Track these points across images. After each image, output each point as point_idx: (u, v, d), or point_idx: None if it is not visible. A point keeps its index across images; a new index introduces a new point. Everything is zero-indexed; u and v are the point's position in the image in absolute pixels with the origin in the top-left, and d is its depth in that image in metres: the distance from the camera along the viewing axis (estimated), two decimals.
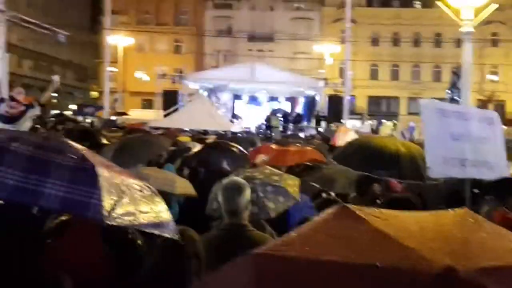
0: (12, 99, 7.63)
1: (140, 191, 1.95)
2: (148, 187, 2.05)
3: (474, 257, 1.11)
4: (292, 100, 28.52)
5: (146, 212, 1.86)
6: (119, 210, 1.74)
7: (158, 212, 1.93)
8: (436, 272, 1.03)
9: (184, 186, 4.77)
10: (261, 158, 6.22)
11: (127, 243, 2.33)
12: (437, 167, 3.64)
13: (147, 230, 1.87)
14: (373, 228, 1.18)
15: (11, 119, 7.38)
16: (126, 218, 1.76)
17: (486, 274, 1.05)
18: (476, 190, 4.26)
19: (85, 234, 2.28)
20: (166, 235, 1.90)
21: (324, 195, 4.86)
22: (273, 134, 19.87)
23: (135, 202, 1.85)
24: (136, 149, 6.40)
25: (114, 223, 1.72)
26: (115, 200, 1.76)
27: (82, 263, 2.27)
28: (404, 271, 1.06)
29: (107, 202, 1.72)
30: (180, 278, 2.31)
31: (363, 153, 4.53)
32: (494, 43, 44.93)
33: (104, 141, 7.98)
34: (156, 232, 1.88)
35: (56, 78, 8.09)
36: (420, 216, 1.35)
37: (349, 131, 10.68)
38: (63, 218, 2.47)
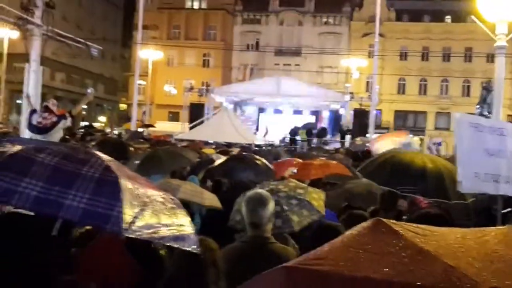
0: (46, 109, 7.82)
1: (163, 203, 1.94)
2: (172, 199, 2.04)
3: None
4: (317, 113, 28.43)
5: (167, 225, 1.85)
6: (139, 223, 1.73)
7: (179, 225, 1.92)
8: None
9: (211, 199, 4.86)
10: (290, 171, 6.22)
11: (150, 253, 2.34)
12: (468, 182, 3.53)
13: (167, 244, 1.86)
14: (411, 243, 1.12)
15: (43, 129, 7.56)
16: (146, 231, 1.75)
17: None
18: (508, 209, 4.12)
19: (111, 243, 2.31)
20: (187, 248, 1.88)
21: (356, 212, 4.80)
22: (297, 147, 19.82)
23: (157, 215, 1.84)
24: (163, 160, 6.49)
25: (133, 236, 1.71)
26: (137, 212, 1.75)
27: (107, 271, 2.29)
28: None
29: (128, 214, 1.71)
30: (198, 286, 2.31)
31: (390, 168, 4.46)
32: None
33: (131, 152, 8.12)
34: (176, 245, 1.87)
35: (90, 91, 8.30)
36: (460, 232, 1.27)
37: (387, 137, 10.47)
38: (88, 227, 2.51)
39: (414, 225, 1.26)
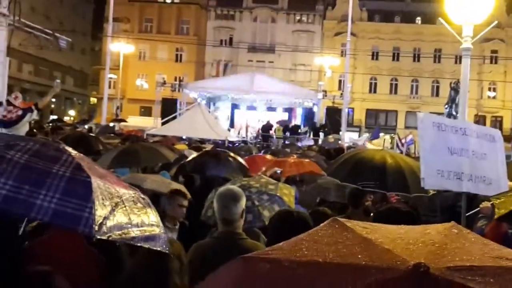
0: (9, 103, 7.59)
1: (134, 202, 1.93)
2: (143, 198, 2.03)
3: (448, 258, 1.19)
4: (290, 110, 28.62)
5: (138, 225, 1.84)
6: (110, 223, 1.71)
7: (150, 224, 1.91)
8: (408, 268, 1.12)
9: (179, 188, 4.83)
10: (274, 170, 6.29)
11: (109, 245, 2.31)
12: (431, 179, 3.65)
13: (139, 244, 1.83)
14: (358, 235, 1.28)
15: (8, 123, 7.34)
16: (116, 232, 1.73)
17: (456, 271, 1.13)
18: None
19: (68, 233, 2.25)
20: (158, 248, 1.88)
21: (320, 208, 4.89)
22: (271, 143, 19.93)
23: (128, 215, 1.83)
24: (140, 155, 6.41)
25: (104, 237, 1.69)
26: (108, 213, 1.73)
27: (67, 261, 2.25)
28: (380, 268, 1.14)
29: (99, 215, 1.68)
30: (162, 277, 2.32)
31: (351, 165, 4.55)
32: (493, 60, 45.26)
33: (101, 147, 7.97)
34: (146, 245, 1.84)
35: (57, 83, 8.06)
36: (406, 227, 1.43)
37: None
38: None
39: (368, 223, 1.43)
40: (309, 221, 2.79)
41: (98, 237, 1.66)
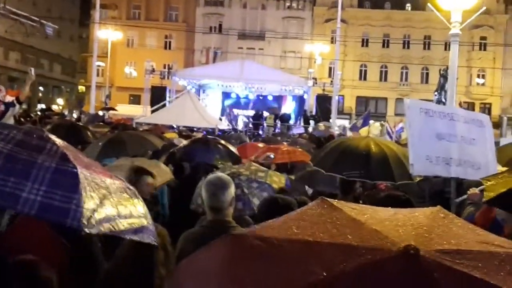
0: None
1: (121, 192, 1.87)
2: (129, 188, 1.97)
3: (436, 241, 1.22)
4: (280, 98, 28.58)
5: (126, 217, 1.78)
6: (98, 216, 1.65)
7: (138, 216, 1.85)
8: (399, 250, 1.14)
9: (165, 172, 4.82)
10: (266, 155, 6.26)
11: (80, 236, 2.28)
12: (420, 165, 3.66)
13: (127, 237, 1.78)
14: (347, 215, 1.30)
15: None
16: (105, 224, 1.67)
17: (444, 254, 1.16)
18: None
19: (35, 221, 2.20)
20: (146, 240, 1.83)
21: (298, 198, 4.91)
22: (260, 132, 19.91)
23: (116, 206, 1.77)
24: (127, 144, 6.35)
25: (94, 231, 1.63)
26: (96, 205, 1.67)
27: (32, 249, 2.20)
28: (370, 249, 1.16)
29: (86, 208, 1.62)
30: (147, 269, 2.31)
31: (337, 154, 4.52)
32: (483, 47, 45.47)
33: (91, 137, 7.90)
34: (135, 238, 1.79)
35: (31, 70, 7.83)
36: (395, 210, 1.45)
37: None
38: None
39: (355, 204, 1.46)
40: (294, 207, 2.80)
41: (87, 231, 1.59)
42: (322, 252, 1.18)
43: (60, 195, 1.61)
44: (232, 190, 2.91)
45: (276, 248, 1.21)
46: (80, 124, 10.31)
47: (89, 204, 1.64)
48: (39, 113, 15.63)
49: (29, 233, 2.24)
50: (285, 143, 10.27)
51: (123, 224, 1.73)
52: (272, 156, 6.30)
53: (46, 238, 2.23)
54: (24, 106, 8.06)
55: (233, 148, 6.69)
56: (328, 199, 1.40)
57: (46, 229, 2.21)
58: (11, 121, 7.45)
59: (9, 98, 7.69)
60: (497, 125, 44.66)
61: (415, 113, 3.74)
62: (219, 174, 3.20)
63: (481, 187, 4.08)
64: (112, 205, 1.75)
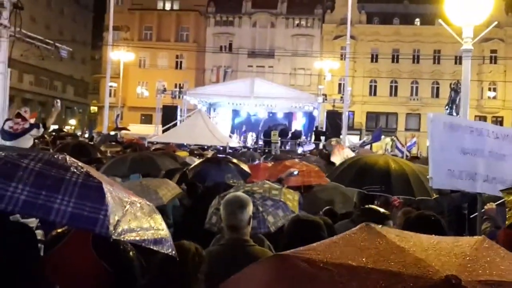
0: (19, 115, 7.61)
1: (141, 208, 2.03)
2: (148, 204, 2.13)
3: (479, 272, 1.22)
4: (291, 115, 28.61)
5: (147, 229, 1.94)
6: (124, 226, 1.81)
7: (157, 229, 2.01)
8: (440, 279, 1.15)
9: (172, 188, 4.85)
10: (289, 172, 5.96)
11: (119, 255, 2.35)
12: (441, 178, 3.60)
13: (149, 246, 1.92)
14: (391, 242, 1.32)
15: (13, 135, 7.34)
16: (129, 234, 1.83)
17: (486, 286, 1.16)
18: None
19: (79, 245, 2.32)
20: (165, 251, 1.97)
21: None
22: (271, 149, 19.88)
23: (137, 218, 1.93)
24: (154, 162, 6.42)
25: (121, 238, 1.79)
26: (120, 216, 1.83)
27: (74, 272, 2.29)
28: (412, 276, 1.17)
29: (113, 218, 1.78)
30: (178, 285, 2.32)
31: (355, 170, 4.54)
32: (493, 60, 45.27)
33: (99, 155, 7.98)
34: (155, 248, 1.93)
35: (58, 102, 8.12)
36: (438, 238, 1.46)
37: (344, 149, 10.65)
38: (59, 230, 2.51)
39: (399, 231, 1.51)
40: (322, 227, 2.82)
41: (114, 237, 1.76)
42: (366, 277, 1.20)
43: (89, 206, 1.79)
44: (250, 209, 2.93)
45: (321, 270, 1.23)
46: (89, 143, 10.39)
47: (115, 214, 1.81)
48: (53, 133, 15.78)
49: (73, 255, 2.34)
50: (296, 159, 10.23)
51: (144, 235, 1.90)
52: (296, 172, 6.04)
53: (89, 259, 2.31)
54: (40, 133, 8.23)
55: (244, 166, 6.69)
56: (372, 224, 1.43)
57: (90, 251, 2.30)
58: (30, 142, 7.56)
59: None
60: None
61: (438, 127, 3.71)
62: (237, 193, 3.20)
63: (500, 201, 4.00)
64: (134, 217, 1.93)
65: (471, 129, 3.83)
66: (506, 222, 3.08)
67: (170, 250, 1.99)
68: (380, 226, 1.44)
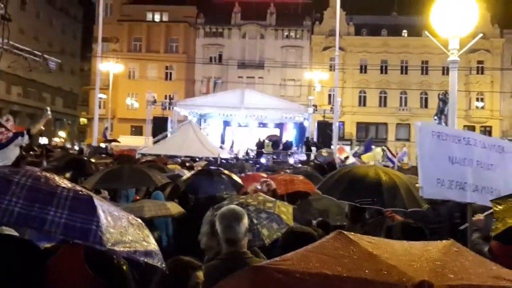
0: (0, 125, 7.50)
1: (130, 222, 2.10)
2: (135, 219, 2.20)
3: (450, 276, 1.25)
4: (281, 126, 28.69)
5: (137, 241, 1.99)
6: (116, 236, 1.86)
7: (147, 242, 2.07)
8: (413, 285, 1.18)
9: (175, 207, 4.90)
10: (264, 183, 5.96)
11: (112, 268, 2.33)
12: (430, 188, 3.58)
13: (140, 258, 1.96)
14: (363, 249, 1.34)
15: None
16: (121, 245, 1.87)
17: None
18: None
19: (71, 259, 2.31)
20: (155, 263, 2.01)
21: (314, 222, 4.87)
22: (262, 160, 19.89)
23: (128, 231, 1.98)
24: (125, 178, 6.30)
25: (114, 249, 1.83)
26: (112, 227, 1.88)
27: (66, 286, 2.28)
28: (386, 283, 1.20)
29: (105, 229, 1.84)
30: None
31: (346, 182, 4.52)
32: (480, 70, 45.93)
33: (93, 169, 7.90)
34: (146, 260, 1.97)
35: (48, 111, 8.03)
36: (408, 244, 1.49)
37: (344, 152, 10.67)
38: (47, 246, 2.50)
39: (371, 237, 1.52)
40: (316, 239, 2.80)
41: (107, 248, 1.81)
42: (341, 285, 1.21)
43: (81, 218, 1.86)
44: (245, 221, 2.93)
45: (297, 281, 1.24)
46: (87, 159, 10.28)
47: (106, 225, 1.88)
48: (41, 148, 15.65)
49: (66, 270, 2.33)
50: (288, 170, 10.24)
51: (136, 246, 1.96)
52: (259, 187, 6.01)
53: (83, 274, 2.31)
54: (27, 141, 8.11)
55: (236, 178, 6.67)
56: (344, 232, 1.44)
57: (83, 266, 2.30)
58: (16, 150, 7.46)
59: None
60: None
61: (426, 135, 3.68)
62: (232, 206, 3.19)
63: (489, 211, 4.00)
64: (125, 230, 2.00)
65: (458, 138, 3.81)
66: (492, 233, 3.04)
67: (160, 263, 2.03)
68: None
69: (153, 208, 4.65)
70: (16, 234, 2.64)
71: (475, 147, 3.84)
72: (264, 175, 7.76)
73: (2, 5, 9.92)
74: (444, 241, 1.50)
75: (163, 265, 2.06)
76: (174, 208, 4.95)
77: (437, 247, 1.42)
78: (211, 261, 3.06)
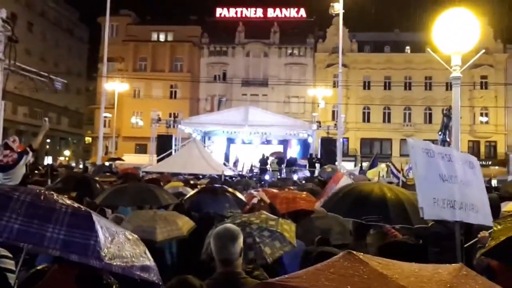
0: (6, 146, 7.56)
1: (126, 238, 2.12)
2: (132, 234, 2.23)
3: None
4: (285, 142, 28.70)
5: (134, 256, 2.02)
6: (113, 252, 1.89)
7: (143, 257, 2.10)
8: None
9: (187, 223, 4.89)
10: (254, 199, 6.04)
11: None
12: (429, 208, 3.51)
13: (136, 273, 1.97)
14: (373, 269, 1.34)
15: (5, 167, 7.30)
16: (118, 259, 1.90)
17: None
18: None
19: (61, 282, 2.27)
20: (151, 279, 2.03)
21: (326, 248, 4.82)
22: (267, 177, 19.86)
23: (125, 247, 2.02)
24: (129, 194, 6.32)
25: (112, 263, 1.85)
26: (109, 243, 1.91)
27: None
28: None
29: (103, 244, 1.86)
30: None
31: (351, 200, 4.49)
32: (484, 85, 45.94)
33: (99, 188, 7.90)
34: (143, 275, 1.99)
35: (46, 121, 8.07)
36: (418, 265, 1.49)
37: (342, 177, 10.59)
38: (38, 268, 2.48)
39: (381, 258, 1.52)
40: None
41: (105, 262, 1.82)
42: None
43: (79, 233, 1.88)
44: (241, 240, 2.88)
45: None
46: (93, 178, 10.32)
47: (104, 241, 1.90)
48: (46, 168, 15.73)
49: None
50: (292, 187, 10.19)
51: (133, 261, 1.98)
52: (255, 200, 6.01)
53: None
54: (32, 158, 8.17)
55: (240, 195, 6.65)
56: (354, 252, 1.45)
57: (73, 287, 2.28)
58: (23, 169, 7.51)
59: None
60: (503, 162, 44.45)
61: (418, 153, 3.61)
62: (227, 225, 3.15)
63: (491, 230, 3.94)
64: (122, 245, 2.02)
65: (442, 155, 3.75)
66: (481, 251, 2.97)
67: (155, 278, 2.05)
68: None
69: (165, 230, 4.58)
70: (9, 255, 2.58)
71: (456, 164, 3.78)
72: (275, 190, 7.64)
73: (9, 27, 10.07)
74: (454, 264, 1.51)
75: (160, 282, 2.07)
76: (186, 225, 4.83)
77: (447, 270, 1.44)
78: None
